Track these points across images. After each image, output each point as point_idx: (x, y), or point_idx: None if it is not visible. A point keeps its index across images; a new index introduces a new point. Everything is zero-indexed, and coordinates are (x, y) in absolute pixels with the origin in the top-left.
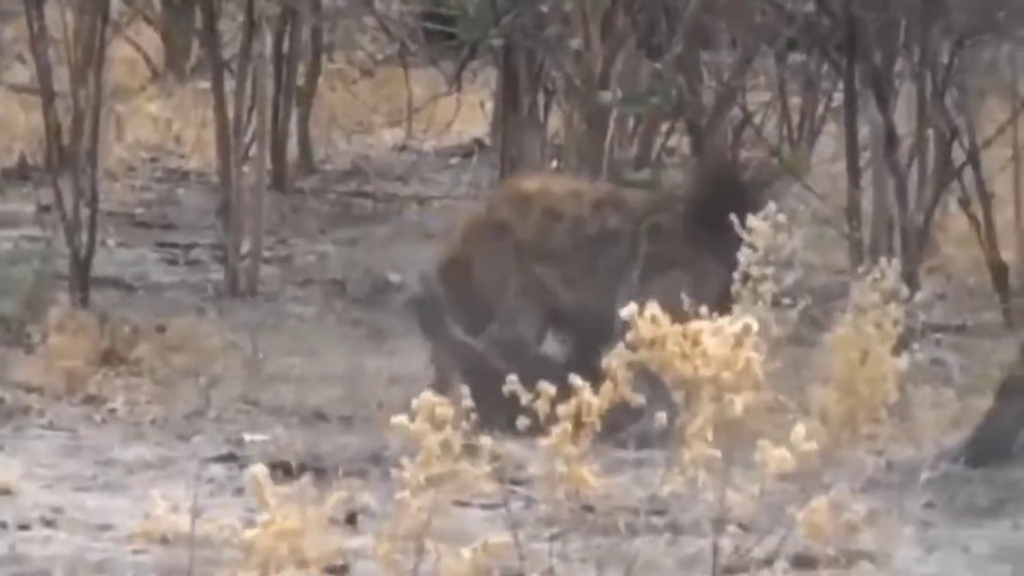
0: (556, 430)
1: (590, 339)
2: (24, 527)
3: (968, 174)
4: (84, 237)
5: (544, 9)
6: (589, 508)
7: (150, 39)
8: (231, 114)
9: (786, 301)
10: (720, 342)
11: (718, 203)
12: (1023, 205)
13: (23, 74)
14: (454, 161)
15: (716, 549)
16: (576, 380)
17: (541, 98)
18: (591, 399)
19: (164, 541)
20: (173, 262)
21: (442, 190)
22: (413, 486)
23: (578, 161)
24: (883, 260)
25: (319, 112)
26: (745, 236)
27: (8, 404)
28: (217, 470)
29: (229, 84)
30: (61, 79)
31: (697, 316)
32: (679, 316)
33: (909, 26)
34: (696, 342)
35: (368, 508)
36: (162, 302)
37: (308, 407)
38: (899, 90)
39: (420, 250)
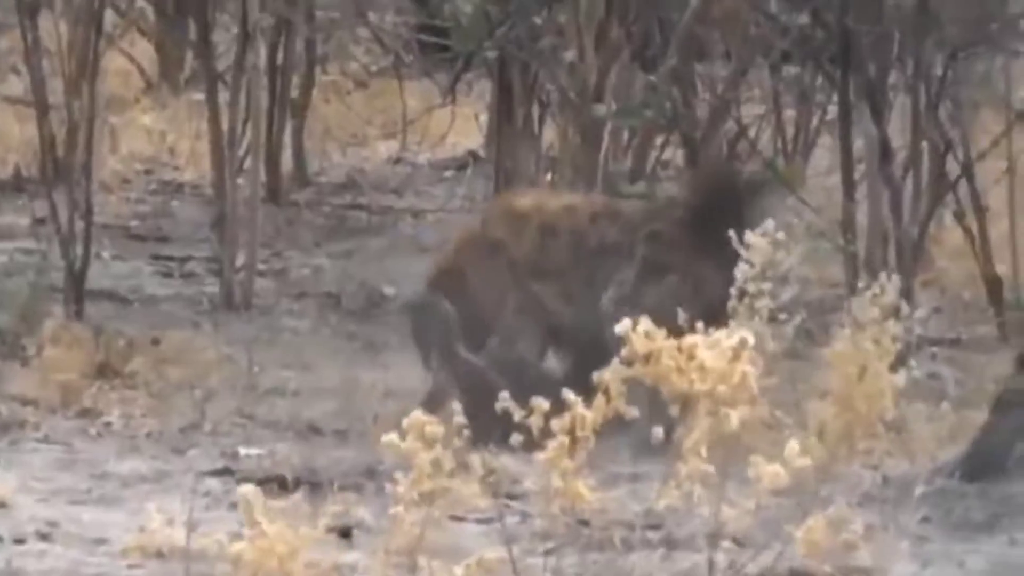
0: (552, 444)
1: (591, 354)
2: (19, 541)
3: (963, 187)
4: (79, 250)
5: (538, 21)
6: (584, 523)
7: (144, 50)
8: (225, 126)
9: (782, 316)
10: (716, 356)
11: (715, 209)
12: (1018, 218)
13: (17, 86)
14: (449, 173)
15: (711, 564)
16: (569, 395)
17: (536, 110)
18: (585, 413)
19: (159, 555)
20: (168, 275)
21: (437, 203)
22: (407, 501)
23: (573, 174)
24: (883, 276)
25: (313, 124)
26: (743, 252)
27: (3, 417)
28: (212, 484)
29: (223, 96)
30: (55, 91)
31: (694, 326)
32: (676, 325)
33: (903, 38)
34: (692, 356)
35: (363, 522)
36: (157, 315)
37: (303, 421)
38: (893, 103)
39: (415, 263)
